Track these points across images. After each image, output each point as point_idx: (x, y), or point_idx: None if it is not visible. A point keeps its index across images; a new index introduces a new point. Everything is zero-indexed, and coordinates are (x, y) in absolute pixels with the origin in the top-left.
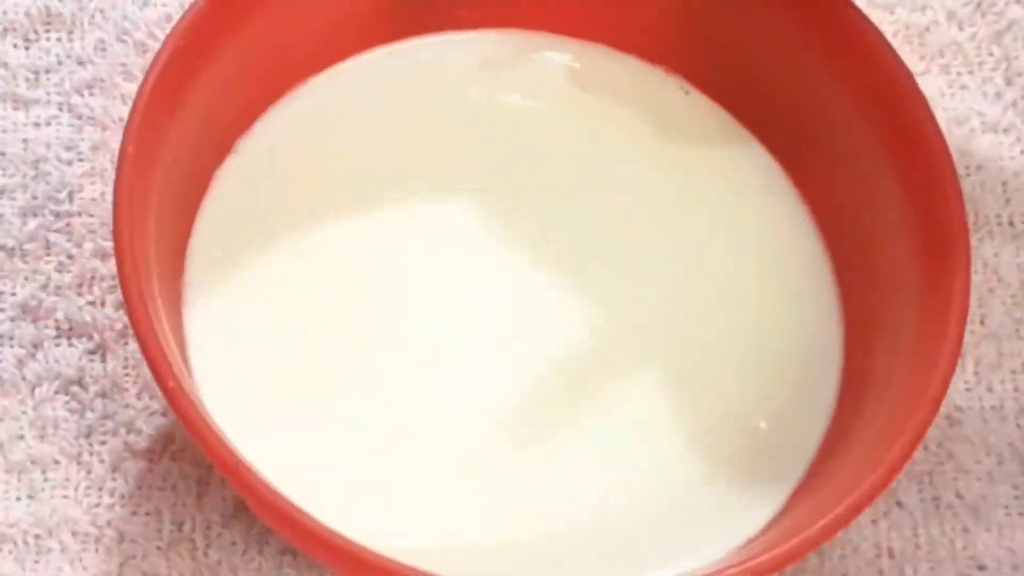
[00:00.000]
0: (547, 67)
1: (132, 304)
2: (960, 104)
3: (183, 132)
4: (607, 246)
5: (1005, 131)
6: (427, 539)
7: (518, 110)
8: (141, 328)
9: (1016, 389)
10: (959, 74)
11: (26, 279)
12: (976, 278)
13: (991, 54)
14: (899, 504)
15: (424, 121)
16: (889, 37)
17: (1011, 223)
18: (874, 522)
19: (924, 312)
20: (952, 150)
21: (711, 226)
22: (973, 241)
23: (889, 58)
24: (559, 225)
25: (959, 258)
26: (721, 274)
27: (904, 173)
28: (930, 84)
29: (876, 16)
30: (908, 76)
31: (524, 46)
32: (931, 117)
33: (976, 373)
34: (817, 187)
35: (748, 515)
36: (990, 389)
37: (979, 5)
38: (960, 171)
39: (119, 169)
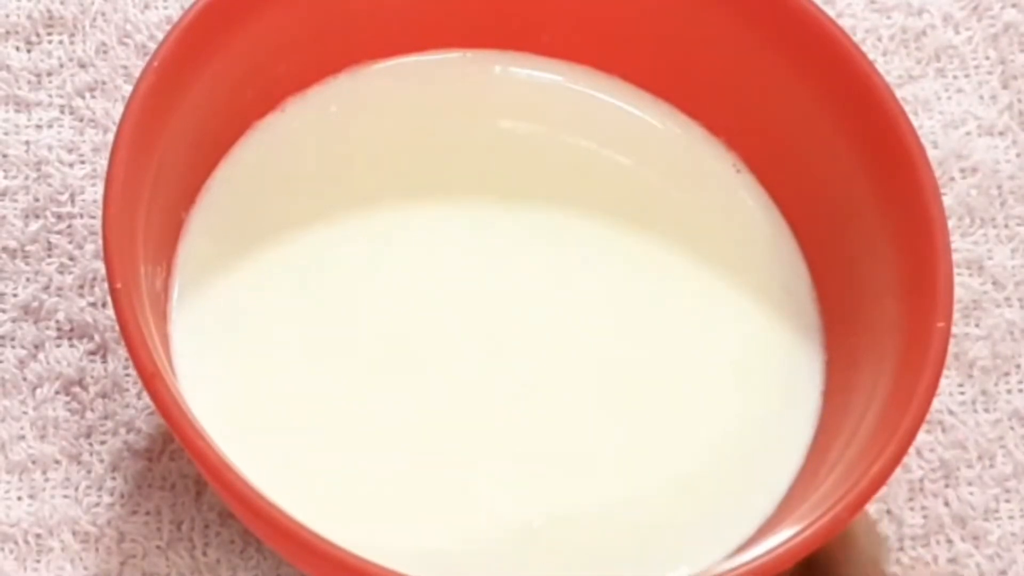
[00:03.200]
0: (535, 87)
1: (118, 299)
2: (956, 107)
3: (175, 137)
4: (599, 265)
5: (1001, 134)
6: (413, 544)
7: (508, 129)
8: (123, 317)
9: (1009, 392)
10: (955, 77)
11: (28, 280)
12: (971, 280)
13: (987, 57)
14: (888, 512)
15: (414, 136)
16: (886, 41)
17: (1006, 226)
18: None
19: (907, 314)
20: (948, 153)
21: (688, 240)
22: (968, 243)
23: (851, 52)
24: (544, 237)
25: (939, 251)
26: (704, 286)
27: (873, 164)
28: (926, 87)
29: (873, 19)
30: (876, 74)
31: (512, 65)
32: (897, 105)
33: (970, 376)
34: (787, 186)
35: (737, 523)
36: (984, 392)
37: (975, 8)
38: (955, 174)
39: (109, 174)
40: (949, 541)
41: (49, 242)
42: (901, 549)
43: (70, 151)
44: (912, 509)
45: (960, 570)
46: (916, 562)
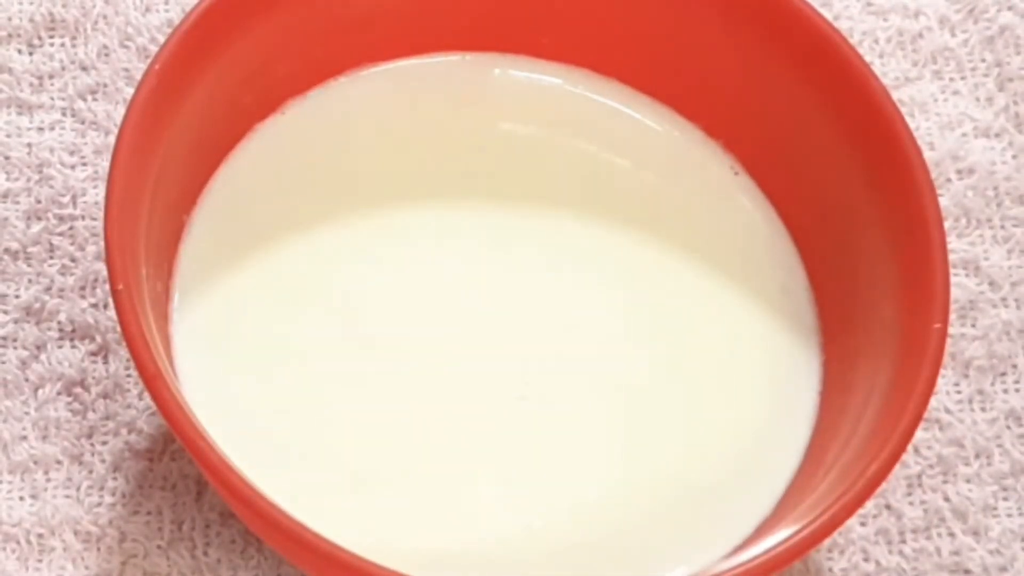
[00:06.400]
0: (535, 89)
1: (119, 300)
2: (952, 109)
3: (176, 140)
4: (598, 266)
5: (997, 136)
6: (413, 544)
7: (507, 131)
8: (125, 318)
9: (1006, 391)
10: (951, 79)
11: (30, 281)
12: (967, 281)
13: (983, 60)
14: (888, 507)
15: (413, 139)
16: (882, 43)
17: (1002, 226)
18: (863, 524)
19: (904, 315)
20: (944, 155)
21: (687, 242)
22: (964, 244)
23: (848, 54)
24: (543, 239)
25: (935, 252)
26: (702, 287)
27: (870, 166)
28: (923, 89)
29: (870, 22)
30: (872, 76)
31: (512, 68)
32: (894, 106)
33: (966, 376)
34: (785, 188)
35: (735, 523)
36: (980, 391)
37: (971, 11)
38: (952, 175)
39: (110, 176)
40: (951, 534)
41: (51, 244)
42: (903, 541)
43: (72, 153)
44: (911, 504)
45: (964, 562)
46: (919, 553)
